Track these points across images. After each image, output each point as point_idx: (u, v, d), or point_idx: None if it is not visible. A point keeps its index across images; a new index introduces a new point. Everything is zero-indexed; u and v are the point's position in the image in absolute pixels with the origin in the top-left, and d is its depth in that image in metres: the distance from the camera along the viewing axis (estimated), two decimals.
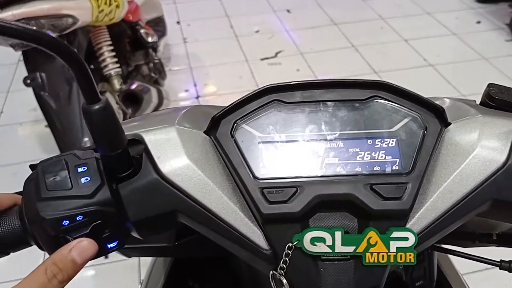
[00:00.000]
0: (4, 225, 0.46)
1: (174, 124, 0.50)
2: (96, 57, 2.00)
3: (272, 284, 0.47)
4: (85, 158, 0.47)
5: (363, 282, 0.46)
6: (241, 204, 0.47)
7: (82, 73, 0.41)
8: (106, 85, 2.03)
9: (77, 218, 0.44)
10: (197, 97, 2.73)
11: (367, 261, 0.45)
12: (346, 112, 0.51)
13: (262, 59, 2.99)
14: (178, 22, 3.47)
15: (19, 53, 1.72)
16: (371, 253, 0.45)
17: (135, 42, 2.27)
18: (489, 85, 0.55)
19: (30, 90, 1.80)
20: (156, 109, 2.18)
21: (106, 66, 1.99)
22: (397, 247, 0.45)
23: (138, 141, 0.50)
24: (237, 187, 0.48)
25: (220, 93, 2.77)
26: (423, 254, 0.70)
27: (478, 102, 0.57)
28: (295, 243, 0.45)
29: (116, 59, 2.02)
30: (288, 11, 3.59)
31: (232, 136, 0.50)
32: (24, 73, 1.79)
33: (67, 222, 0.43)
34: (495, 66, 2.86)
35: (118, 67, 2.03)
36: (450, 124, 0.51)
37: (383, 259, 0.45)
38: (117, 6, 1.91)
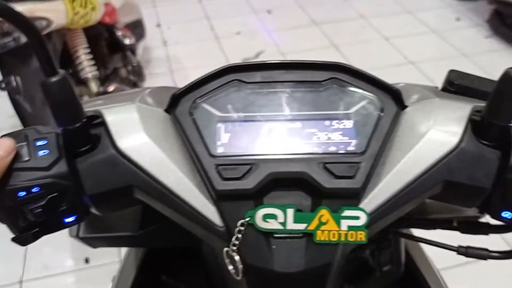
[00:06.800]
0: None
1: (135, 102, 0.50)
2: (73, 60, 1.97)
3: (226, 261, 0.46)
4: (45, 132, 0.47)
5: (314, 259, 0.45)
6: (197, 181, 0.47)
7: (40, 45, 0.42)
8: (83, 88, 2.01)
9: (33, 190, 0.44)
10: None
11: (318, 238, 0.44)
12: (305, 93, 0.51)
13: (243, 60, 2.98)
14: (158, 25, 3.45)
15: None
16: (322, 231, 0.45)
17: (113, 45, 2.25)
18: (450, 71, 0.55)
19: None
20: None
21: (83, 69, 1.97)
22: (348, 226, 0.45)
23: (99, 118, 0.49)
24: (194, 164, 0.48)
25: None
26: (389, 239, 0.69)
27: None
28: (247, 219, 0.45)
29: (93, 62, 2.00)
30: (268, 11, 3.59)
31: (191, 114, 0.50)
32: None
33: (24, 193, 0.43)
34: (475, 62, 2.88)
35: (96, 70, 2.01)
36: (407, 107, 0.51)
37: (334, 237, 0.45)
38: (93, 9, 1.90)
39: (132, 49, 2.31)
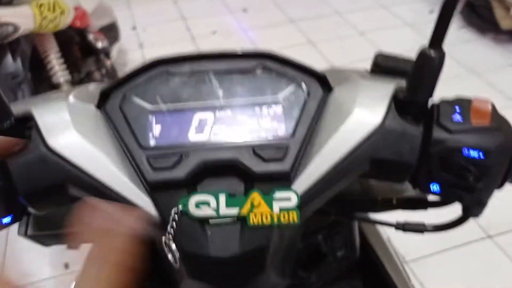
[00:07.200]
0: None
1: (66, 99, 0.51)
2: (44, 65, 1.97)
3: (165, 250, 0.47)
4: None
5: (249, 242, 0.46)
6: (130, 174, 0.47)
7: None
8: None
9: None
10: None
11: (251, 222, 0.45)
12: (234, 81, 0.52)
13: None
14: (133, 28, 3.44)
15: None
16: (255, 214, 0.45)
17: (86, 49, 2.24)
18: (377, 54, 0.56)
19: None
20: None
21: (55, 74, 1.96)
22: (280, 207, 0.46)
23: (28, 117, 0.49)
24: (127, 158, 0.48)
25: None
26: (342, 224, 0.70)
27: None
28: (180, 207, 0.45)
29: (65, 66, 1.99)
30: (244, 10, 3.61)
31: (121, 109, 0.50)
32: None
33: None
34: (449, 53, 2.86)
35: (68, 74, 2.00)
36: (332, 88, 0.52)
37: (266, 219, 0.45)
38: (62, 13, 1.89)
39: (105, 52, 2.30)
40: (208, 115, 0.50)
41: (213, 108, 0.50)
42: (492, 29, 3.02)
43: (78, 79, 2.18)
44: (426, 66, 0.45)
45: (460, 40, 3.08)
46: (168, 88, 0.51)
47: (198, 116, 0.50)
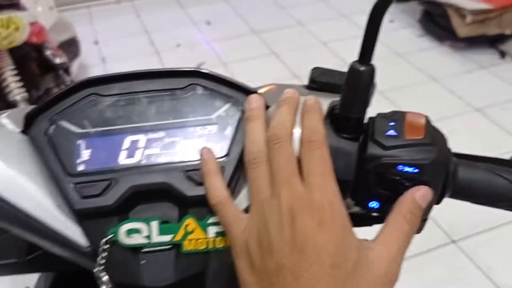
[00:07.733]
0: None
1: None
2: None
3: (98, 282, 0.45)
4: None
5: (185, 270, 0.45)
6: (58, 203, 0.45)
7: None
8: None
9: None
10: None
11: (185, 248, 0.44)
12: (166, 101, 0.50)
13: None
14: (96, 42, 3.39)
15: None
16: (190, 241, 0.44)
17: (44, 65, 2.19)
18: (313, 68, 0.55)
19: None
20: None
21: (10, 91, 1.91)
22: (216, 232, 0.45)
23: None
24: (54, 185, 0.46)
25: None
26: None
27: None
28: (110, 237, 0.44)
29: (21, 84, 1.94)
30: (208, 23, 3.61)
31: (48, 134, 0.48)
32: None
33: None
34: (408, 61, 2.99)
35: (25, 92, 1.95)
36: (269, 107, 0.51)
37: (201, 245, 0.44)
38: (16, 29, 1.85)
39: (64, 68, 2.25)
40: (139, 138, 0.48)
41: (144, 130, 0.48)
42: (450, 37, 3.10)
43: (37, 96, 2.12)
44: (357, 81, 0.44)
45: (419, 48, 3.15)
46: (97, 110, 0.49)
47: (129, 139, 0.48)
